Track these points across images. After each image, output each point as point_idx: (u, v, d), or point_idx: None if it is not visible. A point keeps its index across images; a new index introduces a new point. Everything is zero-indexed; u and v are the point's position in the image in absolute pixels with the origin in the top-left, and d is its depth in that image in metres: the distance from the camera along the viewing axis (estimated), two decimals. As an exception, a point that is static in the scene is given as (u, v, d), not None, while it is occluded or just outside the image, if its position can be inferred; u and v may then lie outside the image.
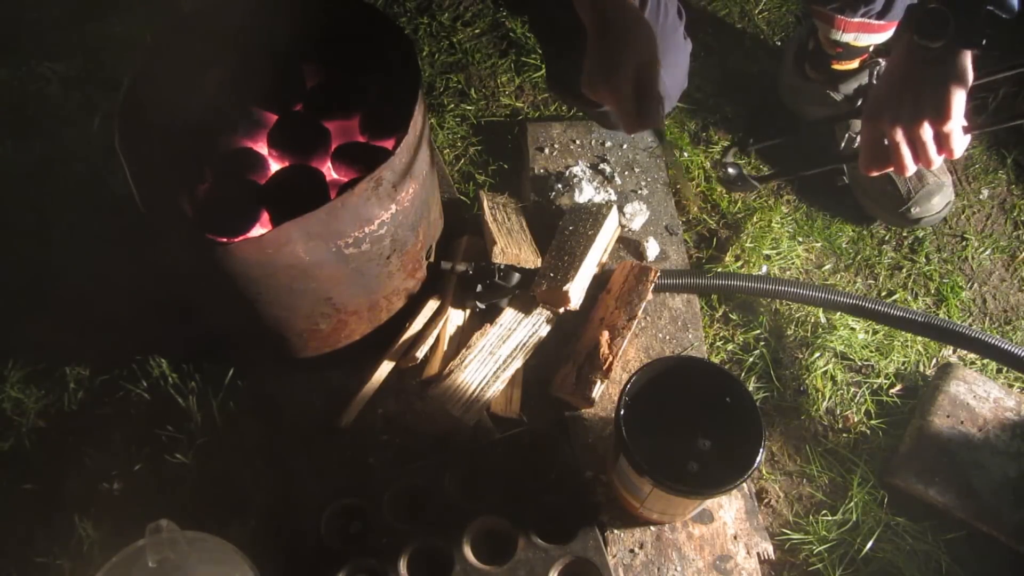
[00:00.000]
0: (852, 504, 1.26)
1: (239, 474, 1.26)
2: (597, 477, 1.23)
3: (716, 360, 1.40)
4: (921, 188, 1.48)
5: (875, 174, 1.03)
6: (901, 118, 0.97)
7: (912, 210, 1.49)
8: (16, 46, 1.79)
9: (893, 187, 1.49)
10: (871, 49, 1.49)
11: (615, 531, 1.19)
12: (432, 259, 1.33)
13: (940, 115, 0.95)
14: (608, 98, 1.00)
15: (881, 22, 1.37)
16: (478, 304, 1.34)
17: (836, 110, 1.54)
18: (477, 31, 1.83)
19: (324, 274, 1.11)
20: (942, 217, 1.53)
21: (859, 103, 1.51)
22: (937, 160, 0.98)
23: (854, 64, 1.52)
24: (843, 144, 1.51)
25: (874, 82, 1.49)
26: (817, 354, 1.40)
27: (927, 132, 0.96)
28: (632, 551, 1.18)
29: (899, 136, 0.98)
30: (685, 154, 1.63)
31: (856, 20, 1.37)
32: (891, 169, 1.01)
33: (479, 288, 1.32)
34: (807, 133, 1.45)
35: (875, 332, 1.44)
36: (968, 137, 0.98)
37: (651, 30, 0.99)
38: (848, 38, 1.43)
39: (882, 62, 1.49)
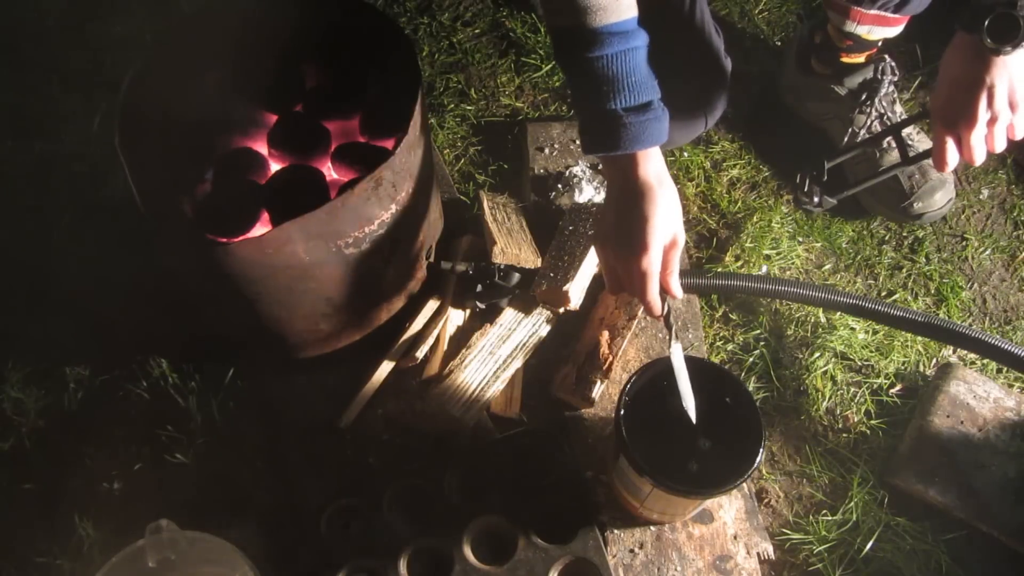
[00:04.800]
0: (852, 504, 1.26)
1: (239, 474, 1.26)
2: (597, 477, 1.23)
3: (716, 360, 1.40)
4: (924, 184, 1.48)
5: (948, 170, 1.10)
6: (978, 119, 1.03)
7: (915, 205, 1.49)
8: (16, 46, 1.79)
9: (896, 182, 1.49)
10: (879, 44, 1.49)
11: (615, 531, 1.19)
12: (432, 259, 1.33)
13: (1015, 108, 1.03)
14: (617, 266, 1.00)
15: (897, 15, 1.38)
16: (478, 304, 1.33)
17: (839, 105, 1.54)
18: (477, 31, 1.83)
19: (324, 274, 1.11)
20: (943, 214, 1.53)
21: (863, 97, 1.50)
22: (1004, 143, 1.07)
23: (861, 59, 1.52)
24: (908, 150, 1.50)
25: (879, 77, 1.49)
26: (817, 354, 1.40)
27: (1001, 125, 1.04)
28: (632, 551, 1.18)
29: (975, 137, 1.05)
30: (685, 154, 1.63)
31: (872, 12, 1.37)
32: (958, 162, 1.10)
33: (479, 288, 1.32)
34: (867, 146, 1.46)
35: (875, 332, 1.44)
36: None
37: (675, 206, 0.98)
38: (862, 31, 1.43)
39: (887, 58, 1.49)
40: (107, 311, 1.37)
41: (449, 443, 1.25)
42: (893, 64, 1.50)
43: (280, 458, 1.27)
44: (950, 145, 1.07)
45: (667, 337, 1.04)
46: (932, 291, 1.51)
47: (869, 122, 1.50)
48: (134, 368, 1.34)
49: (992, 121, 1.04)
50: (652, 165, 0.96)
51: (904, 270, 1.54)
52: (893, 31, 1.44)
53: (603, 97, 0.93)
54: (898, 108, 1.52)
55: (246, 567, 1.03)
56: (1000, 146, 1.06)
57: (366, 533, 1.17)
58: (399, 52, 1.14)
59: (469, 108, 1.70)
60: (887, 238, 1.58)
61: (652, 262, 0.96)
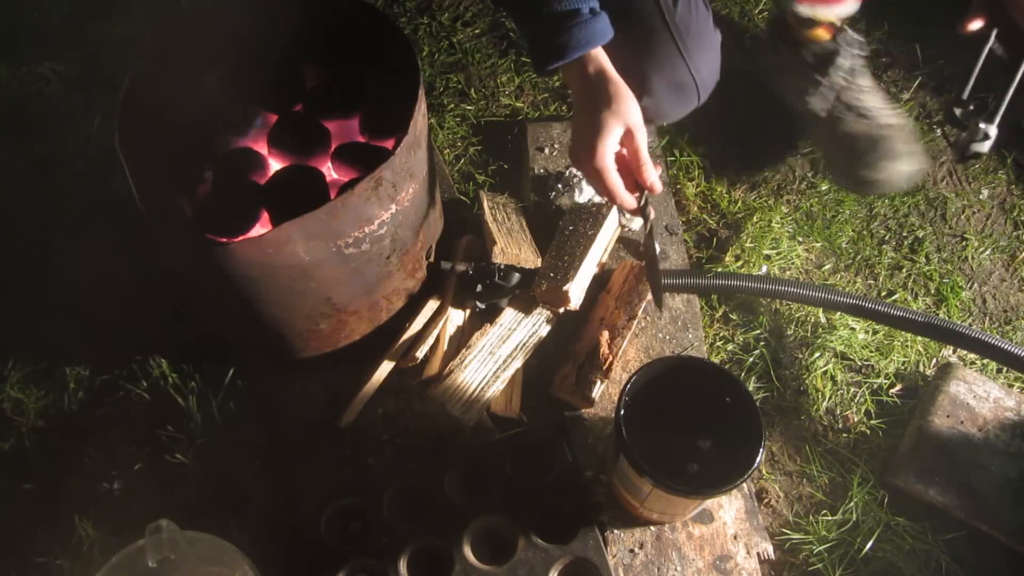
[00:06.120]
0: (852, 504, 1.26)
1: (239, 474, 1.26)
2: (597, 477, 1.23)
3: (716, 360, 1.40)
4: (884, 151, 1.44)
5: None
6: None
7: (864, 172, 1.45)
8: (16, 46, 1.80)
9: (854, 143, 1.46)
10: (839, 24, 1.47)
11: (615, 531, 1.19)
12: (432, 259, 1.33)
13: None
14: (592, 174, 1.05)
15: None
16: (478, 304, 1.34)
17: (807, 73, 1.52)
18: (477, 31, 1.83)
19: (324, 274, 1.11)
20: (900, 187, 1.49)
21: (825, 63, 1.49)
22: None
23: (825, 35, 1.50)
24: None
25: (845, 48, 1.48)
26: (817, 354, 1.40)
27: None
28: (632, 551, 1.18)
29: None
30: (686, 154, 1.63)
31: None
32: None
33: (479, 288, 1.32)
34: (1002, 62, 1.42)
35: (875, 332, 1.44)
36: None
37: (632, 104, 1.02)
38: (815, 11, 1.43)
39: (848, 29, 1.47)
40: (107, 311, 1.37)
41: (449, 443, 1.25)
42: (858, 38, 1.47)
43: (280, 458, 1.27)
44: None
45: (643, 229, 1.07)
46: (932, 291, 1.51)
47: (833, 84, 1.48)
48: (134, 368, 1.34)
49: None
50: (591, 67, 1.03)
51: (904, 270, 1.54)
52: (847, 8, 1.43)
53: (534, 14, 1.02)
54: (863, 81, 1.50)
55: (246, 567, 1.03)
56: None
57: (366, 533, 1.17)
58: (399, 52, 1.14)
59: (469, 108, 1.70)
60: (887, 238, 1.58)
61: (602, 157, 1.01)
